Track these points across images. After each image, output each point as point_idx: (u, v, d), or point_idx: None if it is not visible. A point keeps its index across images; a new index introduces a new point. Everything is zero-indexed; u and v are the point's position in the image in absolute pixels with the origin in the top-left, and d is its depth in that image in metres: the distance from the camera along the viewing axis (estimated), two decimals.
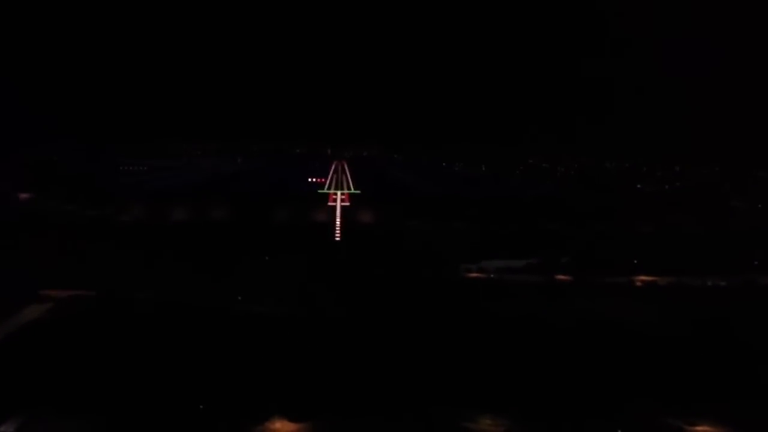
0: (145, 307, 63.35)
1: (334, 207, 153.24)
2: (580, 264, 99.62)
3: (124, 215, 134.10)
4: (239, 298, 66.17)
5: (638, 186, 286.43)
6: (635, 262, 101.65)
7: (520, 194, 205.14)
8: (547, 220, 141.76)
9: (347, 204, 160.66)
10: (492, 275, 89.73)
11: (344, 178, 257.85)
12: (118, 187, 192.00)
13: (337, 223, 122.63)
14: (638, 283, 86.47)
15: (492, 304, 71.89)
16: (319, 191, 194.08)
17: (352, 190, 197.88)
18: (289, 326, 58.80)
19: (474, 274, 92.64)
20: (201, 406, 40.20)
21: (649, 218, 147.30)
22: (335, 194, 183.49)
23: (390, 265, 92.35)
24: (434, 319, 64.27)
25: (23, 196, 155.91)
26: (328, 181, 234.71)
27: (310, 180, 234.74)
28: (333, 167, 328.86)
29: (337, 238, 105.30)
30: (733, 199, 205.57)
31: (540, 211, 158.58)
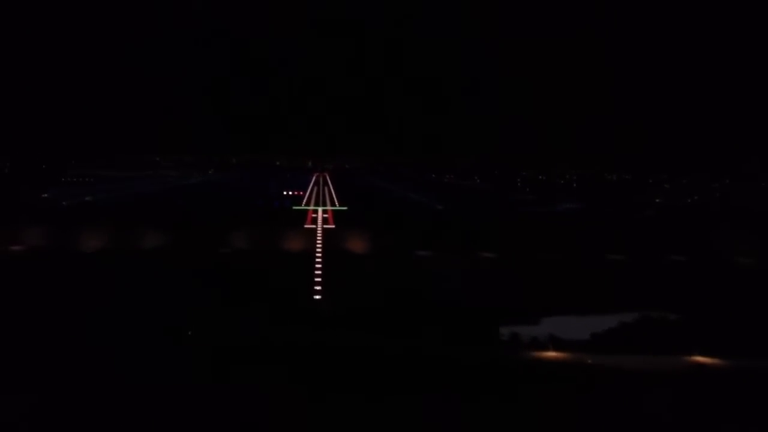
0: None
1: (314, 231, 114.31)
2: (699, 325, 63.53)
3: (17, 243, 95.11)
4: None
5: (657, 200, 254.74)
6: None
7: (541, 211, 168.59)
8: (599, 248, 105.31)
9: (331, 226, 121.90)
10: (590, 360, 52.47)
11: (326, 191, 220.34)
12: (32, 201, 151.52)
13: (317, 261, 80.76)
14: None
15: None
16: (295, 207, 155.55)
17: (337, 207, 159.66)
18: None
19: (549, 353, 55.06)
20: None
21: (725, 245, 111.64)
22: (315, 212, 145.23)
23: (402, 340, 54.23)
24: None
25: None
26: (306, 195, 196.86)
27: (285, 193, 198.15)
28: (314, 179, 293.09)
29: (317, 297, 61.13)
30: None
31: (584, 235, 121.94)
